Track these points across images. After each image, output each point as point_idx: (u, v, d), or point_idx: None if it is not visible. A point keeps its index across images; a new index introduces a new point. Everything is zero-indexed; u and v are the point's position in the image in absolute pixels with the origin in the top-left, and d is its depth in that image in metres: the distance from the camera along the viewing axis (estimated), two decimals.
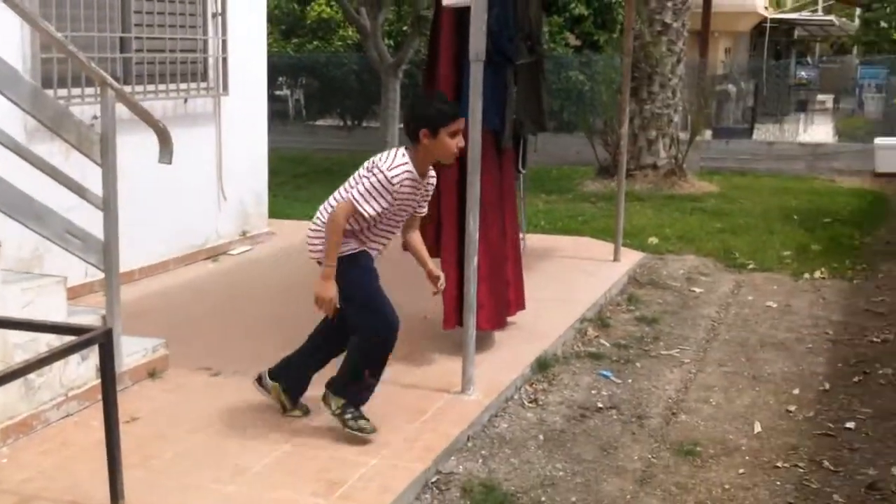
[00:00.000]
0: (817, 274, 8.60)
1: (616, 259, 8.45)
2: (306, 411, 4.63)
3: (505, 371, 5.40)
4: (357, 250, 4.31)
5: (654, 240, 9.78)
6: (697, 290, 8.03)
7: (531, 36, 6.08)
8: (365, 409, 4.37)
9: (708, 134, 18.37)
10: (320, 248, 4.30)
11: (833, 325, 7.08)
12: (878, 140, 7.17)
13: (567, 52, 17.54)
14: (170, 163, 4.87)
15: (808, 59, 43.74)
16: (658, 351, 6.35)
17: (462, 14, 5.16)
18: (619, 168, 8.63)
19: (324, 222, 4.26)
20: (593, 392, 5.48)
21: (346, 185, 4.33)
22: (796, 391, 5.60)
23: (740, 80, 22.07)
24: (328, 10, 23.02)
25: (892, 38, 11.85)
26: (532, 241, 8.59)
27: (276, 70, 20.52)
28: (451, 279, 5.36)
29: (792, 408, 5.31)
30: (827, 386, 5.70)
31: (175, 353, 5.35)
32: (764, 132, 19.77)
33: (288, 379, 4.59)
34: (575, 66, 16.93)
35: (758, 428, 4.99)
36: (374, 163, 4.26)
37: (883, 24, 26.63)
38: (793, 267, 8.86)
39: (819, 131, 21.61)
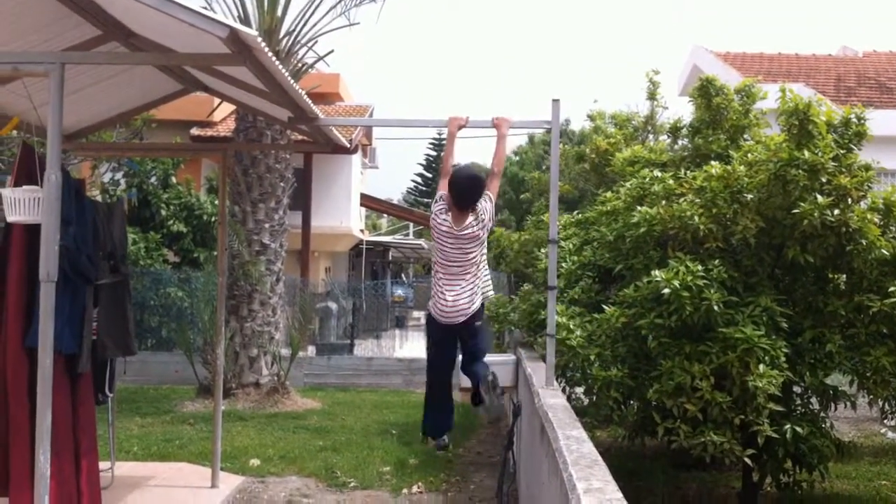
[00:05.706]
0: (414, 489, 8.75)
1: (214, 485, 8.02)
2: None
3: None
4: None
5: (255, 461, 9.51)
6: None
7: (114, 255, 5.81)
8: None
9: (312, 350, 18.66)
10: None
11: None
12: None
13: (165, 268, 17.20)
14: None
15: (404, 278, 46.79)
16: None
17: (35, 230, 4.80)
18: (215, 388, 8.35)
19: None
20: None
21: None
22: None
23: (341, 297, 22.85)
24: None
25: None
26: (122, 470, 8.04)
27: None
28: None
29: None
30: None
31: None
32: (364, 348, 20.46)
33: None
34: (174, 283, 16.59)
35: None
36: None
37: None
38: (392, 483, 8.96)
39: (414, 346, 22.72)
